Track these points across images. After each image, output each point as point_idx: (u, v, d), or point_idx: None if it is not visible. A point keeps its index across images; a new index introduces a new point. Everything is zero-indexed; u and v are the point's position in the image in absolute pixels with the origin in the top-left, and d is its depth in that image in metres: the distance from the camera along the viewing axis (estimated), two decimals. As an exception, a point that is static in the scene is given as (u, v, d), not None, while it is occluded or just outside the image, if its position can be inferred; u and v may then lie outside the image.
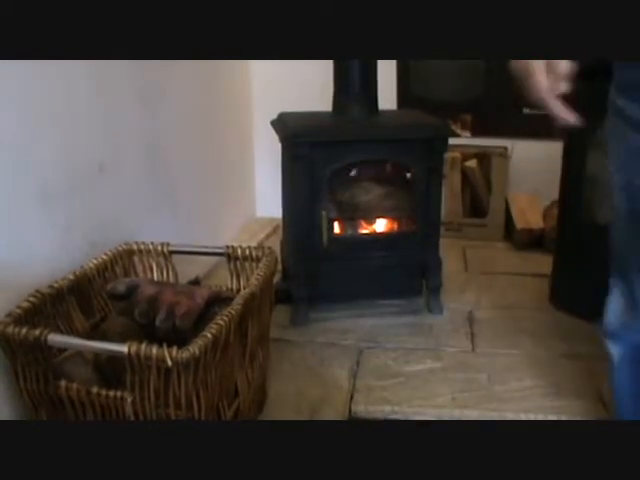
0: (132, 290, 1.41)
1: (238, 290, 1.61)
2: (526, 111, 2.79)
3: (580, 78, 0.85)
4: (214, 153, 2.47)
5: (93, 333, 1.43)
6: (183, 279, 1.67)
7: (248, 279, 1.59)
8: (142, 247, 1.64)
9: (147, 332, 1.33)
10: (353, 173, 2.04)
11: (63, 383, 1.23)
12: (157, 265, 1.66)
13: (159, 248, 1.64)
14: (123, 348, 1.13)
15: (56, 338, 1.19)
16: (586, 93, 1.96)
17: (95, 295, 1.50)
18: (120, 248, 1.61)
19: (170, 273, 1.66)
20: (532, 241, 2.69)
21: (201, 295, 1.41)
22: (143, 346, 1.13)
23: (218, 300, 1.42)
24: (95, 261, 1.51)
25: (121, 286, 1.42)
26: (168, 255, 1.65)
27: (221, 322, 1.23)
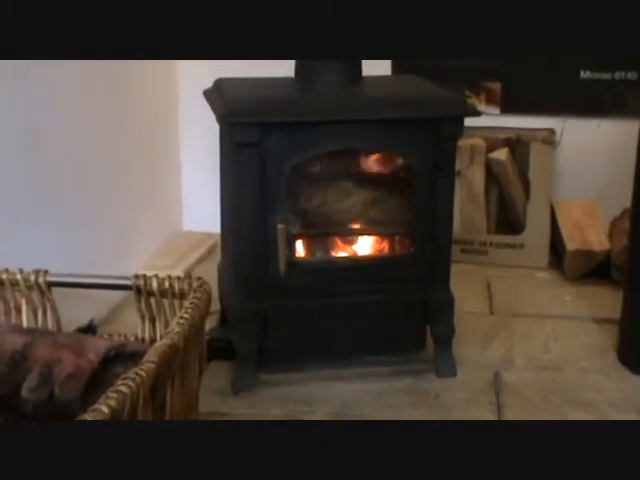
0: (-14, 342, 1.41)
1: (152, 340, 1.61)
2: (584, 75, 2.79)
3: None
4: (121, 140, 2.49)
5: None
6: (69, 325, 1.68)
7: (167, 324, 1.59)
8: (6, 276, 1.64)
9: (9, 406, 1.33)
10: (324, 169, 2.05)
11: None
12: (28, 303, 1.65)
13: (32, 278, 1.64)
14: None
15: None
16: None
17: None
18: (-27, 278, 1.61)
19: (49, 315, 1.66)
20: (592, 269, 2.72)
21: (95, 349, 1.42)
22: None
23: (121, 356, 1.43)
24: None
25: (-31, 336, 1.42)
26: (46, 288, 1.64)
27: (124, 389, 1.22)
